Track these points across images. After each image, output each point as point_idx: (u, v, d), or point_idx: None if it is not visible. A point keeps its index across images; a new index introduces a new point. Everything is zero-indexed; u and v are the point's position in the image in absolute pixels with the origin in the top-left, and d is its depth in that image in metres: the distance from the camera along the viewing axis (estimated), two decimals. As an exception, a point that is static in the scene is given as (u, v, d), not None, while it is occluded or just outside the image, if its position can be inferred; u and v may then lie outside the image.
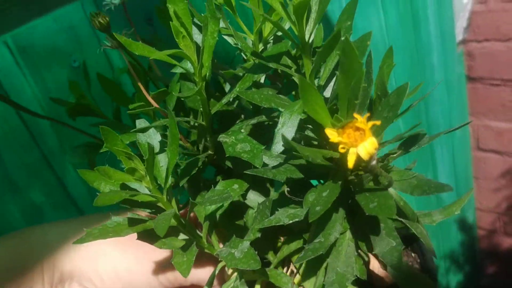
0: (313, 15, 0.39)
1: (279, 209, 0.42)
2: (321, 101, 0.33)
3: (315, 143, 0.41)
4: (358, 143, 0.30)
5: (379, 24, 1.17)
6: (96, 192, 0.40)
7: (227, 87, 0.52)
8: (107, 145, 0.38)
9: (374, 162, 0.31)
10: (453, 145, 1.48)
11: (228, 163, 0.47)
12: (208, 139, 0.46)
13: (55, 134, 0.70)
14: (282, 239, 0.49)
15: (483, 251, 1.67)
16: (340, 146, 0.30)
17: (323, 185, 0.36)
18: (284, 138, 0.35)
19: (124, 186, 0.40)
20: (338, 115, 0.33)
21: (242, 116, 0.49)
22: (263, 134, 0.50)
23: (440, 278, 1.58)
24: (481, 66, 1.40)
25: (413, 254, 0.46)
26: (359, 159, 0.30)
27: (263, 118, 0.44)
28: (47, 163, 0.71)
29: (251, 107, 0.49)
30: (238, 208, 0.48)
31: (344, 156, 0.32)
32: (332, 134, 0.31)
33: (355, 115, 0.30)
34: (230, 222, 0.47)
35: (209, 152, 0.47)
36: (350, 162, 0.30)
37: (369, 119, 0.38)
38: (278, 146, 0.37)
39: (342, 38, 0.33)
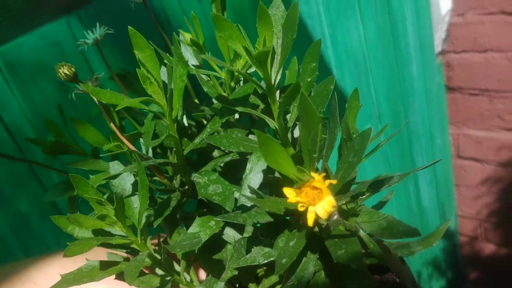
0: (277, 57, 0.40)
1: (254, 248, 0.43)
2: (284, 153, 0.33)
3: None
4: (316, 202, 0.31)
5: (358, 36, 1.19)
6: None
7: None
8: (78, 191, 0.39)
9: (335, 217, 0.32)
10: (434, 153, 1.50)
11: (203, 198, 0.48)
12: (183, 176, 0.47)
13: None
14: (263, 268, 0.50)
15: (465, 258, 1.69)
16: (299, 205, 0.31)
17: (291, 233, 0.36)
18: (250, 187, 0.36)
19: (97, 231, 0.41)
20: (301, 167, 0.34)
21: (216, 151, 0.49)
22: (239, 170, 0.51)
23: (423, 284, 1.60)
24: (459, 76, 1.42)
25: (392, 276, 0.47)
26: (318, 216, 0.31)
27: (236, 156, 0.45)
28: (33, 173, 0.72)
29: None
30: (216, 242, 0.49)
31: (304, 212, 0.33)
32: (290, 194, 0.31)
33: (313, 174, 0.31)
34: (208, 257, 0.48)
35: (186, 187, 0.48)
36: (310, 220, 0.31)
37: (337, 162, 0.39)
38: (246, 192, 0.38)
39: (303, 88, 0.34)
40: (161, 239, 0.52)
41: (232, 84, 0.46)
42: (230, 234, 0.48)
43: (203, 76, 0.49)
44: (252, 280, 0.50)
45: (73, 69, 0.37)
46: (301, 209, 0.31)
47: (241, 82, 0.47)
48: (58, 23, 0.70)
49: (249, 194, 0.38)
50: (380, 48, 1.25)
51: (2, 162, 0.69)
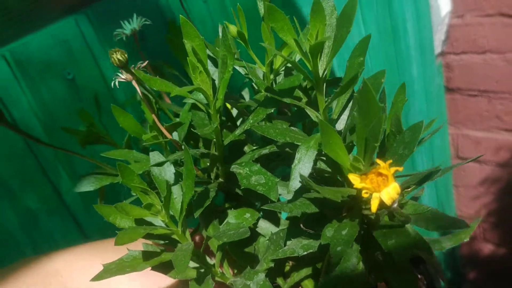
0: (326, 51, 0.40)
1: (292, 239, 0.43)
2: (341, 143, 0.34)
3: (327, 175, 0.42)
4: (381, 188, 0.31)
5: (359, 37, 1.19)
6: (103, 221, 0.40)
7: (233, 112, 0.53)
8: (123, 180, 0.39)
9: (395, 205, 0.33)
10: (433, 153, 1.52)
11: (239, 191, 0.48)
12: (219, 168, 0.47)
13: (50, 141, 0.71)
14: (290, 263, 0.50)
15: (463, 258, 1.71)
16: (363, 191, 0.31)
17: (341, 223, 0.37)
18: (301, 176, 0.36)
19: (139, 220, 0.41)
20: (357, 156, 0.34)
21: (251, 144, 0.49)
22: (271, 161, 0.51)
23: (421, 284, 1.61)
24: (459, 77, 1.44)
25: (419, 276, 0.48)
26: (381, 203, 0.32)
27: (275, 149, 0.45)
28: (42, 170, 0.73)
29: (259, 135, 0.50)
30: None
31: (360, 192, 0.33)
32: (355, 180, 0.32)
33: (378, 160, 0.32)
34: (240, 250, 0.48)
35: (220, 179, 0.48)
36: (374, 207, 0.31)
37: (382, 155, 0.39)
38: (295, 183, 0.38)
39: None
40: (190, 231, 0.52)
41: (271, 76, 0.46)
42: (264, 226, 0.48)
43: (240, 70, 0.49)
44: (281, 274, 0.50)
45: (126, 55, 0.37)
46: (365, 195, 0.31)
47: (280, 76, 0.47)
48: (67, 21, 0.71)
49: (298, 184, 0.38)
50: (381, 49, 1.27)
51: (11, 158, 0.70)
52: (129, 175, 0.39)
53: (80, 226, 0.81)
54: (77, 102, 0.74)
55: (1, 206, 0.71)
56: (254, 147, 0.50)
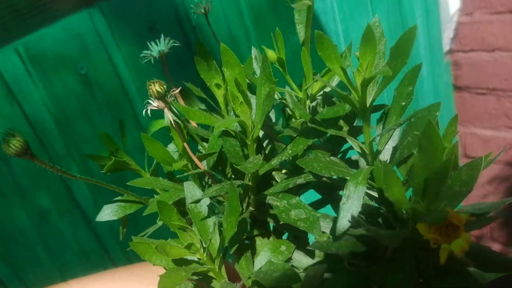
0: (375, 80, 0.38)
1: (331, 273, 0.41)
2: (400, 185, 0.31)
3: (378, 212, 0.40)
4: (452, 239, 0.29)
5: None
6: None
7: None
8: (161, 217, 0.36)
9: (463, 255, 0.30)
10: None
11: (271, 221, 0.46)
12: (251, 197, 0.45)
13: (62, 139, 0.72)
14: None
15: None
16: (432, 241, 0.29)
17: (394, 266, 0.35)
18: (353, 217, 0.34)
19: (178, 260, 0.38)
20: (417, 198, 0.32)
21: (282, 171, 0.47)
22: (300, 188, 0.49)
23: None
24: (467, 75, 1.42)
25: None
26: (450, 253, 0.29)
27: (311, 177, 0.42)
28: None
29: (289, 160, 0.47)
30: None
31: (427, 242, 0.31)
32: (424, 230, 0.29)
33: (448, 209, 0.29)
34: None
35: (251, 208, 0.46)
36: (443, 259, 0.29)
37: (435, 191, 0.37)
38: (344, 222, 0.35)
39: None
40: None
41: (308, 102, 0.43)
42: (298, 259, 0.46)
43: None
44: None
45: (164, 86, 0.34)
46: (433, 246, 0.29)
47: (315, 102, 0.45)
48: (80, 15, 0.69)
49: (348, 223, 0.36)
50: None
51: None
52: (167, 212, 0.37)
53: (91, 224, 0.80)
54: (90, 98, 0.73)
55: (13, 204, 0.70)
56: (283, 173, 0.48)
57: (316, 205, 0.49)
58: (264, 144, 0.50)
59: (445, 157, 0.30)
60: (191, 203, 0.38)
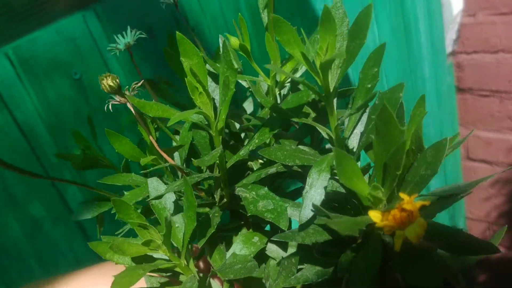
0: (337, 62, 0.36)
1: (304, 264, 0.40)
2: (358, 171, 0.30)
3: (341, 198, 0.38)
4: (406, 225, 0.28)
5: (373, 37, 1.17)
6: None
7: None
8: (119, 216, 0.36)
9: (421, 240, 0.29)
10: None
11: (244, 212, 0.45)
12: (224, 189, 0.44)
13: (55, 147, 0.70)
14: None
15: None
16: (386, 229, 0.28)
17: (360, 253, 0.33)
18: (314, 206, 0.33)
19: (139, 257, 0.37)
20: (376, 184, 0.31)
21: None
22: (277, 178, 0.48)
23: None
24: (470, 77, 1.40)
25: None
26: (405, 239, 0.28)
27: (281, 168, 0.41)
28: (47, 175, 0.70)
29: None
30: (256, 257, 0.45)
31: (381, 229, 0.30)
32: (376, 217, 0.28)
33: (402, 195, 0.28)
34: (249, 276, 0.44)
35: (225, 200, 0.45)
36: (397, 245, 0.28)
37: (402, 176, 0.36)
38: (307, 211, 0.34)
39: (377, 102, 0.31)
40: (194, 250, 0.49)
41: (277, 90, 0.42)
42: (273, 249, 0.45)
43: (243, 83, 0.45)
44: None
45: (117, 80, 0.34)
46: (387, 233, 0.28)
47: (285, 89, 0.44)
48: (74, 18, 0.67)
49: (311, 213, 0.34)
50: (394, 48, 1.23)
51: (14, 163, 0.66)
52: (125, 210, 0.36)
53: (86, 233, 0.78)
54: (84, 104, 0.71)
55: (4, 214, 0.69)
56: (260, 163, 0.47)
57: (295, 194, 0.48)
58: (243, 136, 0.49)
59: (401, 140, 0.29)
60: (151, 199, 0.37)
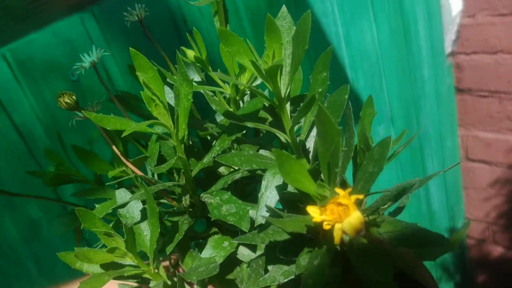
0: (286, 70, 0.38)
1: (272, 266, 0.41)
2: (303, 170, 0.31)
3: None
4: (343, 218, 0.29)
5: (371, 37, 1.17)
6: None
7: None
8: (85, 225, 0.37)
9: (362, 233, 0.30)
10: (443, 156, 1.47)
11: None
12: (192, 197, 0.45)
13: (52, 146, 0.69)
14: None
15: (473, 260, 1.65)
16: (325, 223, 0.29)
17: (313, 251, 0.34)
18: (268, 206, 0.34)
19: (107, 264, 0.39)
20: (322, 182, 0.32)
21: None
22: (247, 184, 0.49)
23: None
24: (469, 78, 1.39)
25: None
26: (345, 233, 0.29)
27: (246, 173, 0.43)
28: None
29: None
30: (230, 261, 0.46)
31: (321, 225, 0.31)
32: (314, 212, 0.29)
33: (337, 189, 0.29)
34: (222, 277, 0.45)
35: (195, 208, 0.46)
36: (337, 239, 0.29)
37: (354, 173, 0.37)
38: (262, 212, 0.36)
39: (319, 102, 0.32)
40: (172, 260, 0.50)
41: (238, 98, 0.44)
42: (244, 253, 0.46)
43: (208, 92, 0.47)
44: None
45: (74, 97, 0.36)
46: (326, 227, 0.29)
47: (247, 96, 0.45)
48: (72, 20, 0.67)
49: (266, 213, 0.36)
50: (393, 49, 1.23)
51: (11, 166, 0.67)
52: (90, 219, 0.37)
53: (84, 236, 0.78)
54: (82, 105, 0.71)
55: (1, 215, 0.69)
56: (231, 170, 0.48)
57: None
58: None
59: (338, 139, 0.30)
60: (116, 207, 0.39)
